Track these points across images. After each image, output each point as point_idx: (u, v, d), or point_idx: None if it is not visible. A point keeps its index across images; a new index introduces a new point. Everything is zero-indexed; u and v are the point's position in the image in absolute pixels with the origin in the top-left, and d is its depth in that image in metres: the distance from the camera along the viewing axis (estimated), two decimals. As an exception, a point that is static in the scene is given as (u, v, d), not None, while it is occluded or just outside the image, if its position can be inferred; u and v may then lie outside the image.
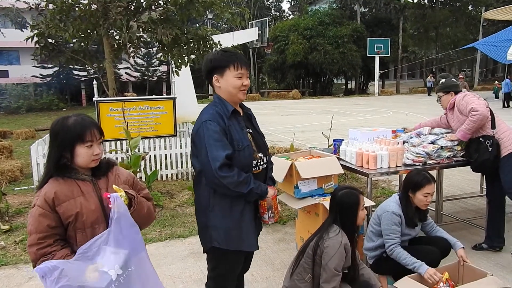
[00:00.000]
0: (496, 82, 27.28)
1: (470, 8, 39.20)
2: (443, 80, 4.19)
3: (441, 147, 4.04)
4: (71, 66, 28.78)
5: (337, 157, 3.93)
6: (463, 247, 3.18)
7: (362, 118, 16.91)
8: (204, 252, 2.44)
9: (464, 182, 6.53)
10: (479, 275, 2.94)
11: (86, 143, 1.90)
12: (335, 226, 2.71)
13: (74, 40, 7.74)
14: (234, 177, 2.17)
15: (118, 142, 7.18)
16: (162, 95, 28.03)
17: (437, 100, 4.26)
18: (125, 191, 1.96)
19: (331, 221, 2.76)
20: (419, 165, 3.92)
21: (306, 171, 3.58)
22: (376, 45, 32.40)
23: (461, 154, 4.09)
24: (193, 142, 2.33)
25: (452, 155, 4.06)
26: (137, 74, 31.76)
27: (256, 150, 2.36)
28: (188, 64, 8.95)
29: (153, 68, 31.92)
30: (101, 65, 8.28)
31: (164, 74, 31.89)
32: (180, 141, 7.59)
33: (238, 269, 2.48)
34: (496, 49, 16.60)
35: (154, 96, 10.09)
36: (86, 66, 27.50)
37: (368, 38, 33.04)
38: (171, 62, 8.88)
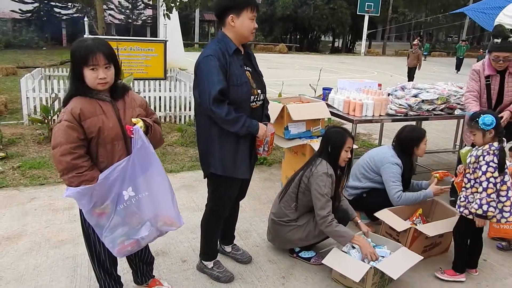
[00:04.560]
0: (481, 50, 27.60)
1: (464, -28, 38.67)
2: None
3: (422, 101, 4.33)
4: (52, 3, 27.63)
5: (325, 104, 4.17)
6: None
7: (348, 76, 17.09)
8: (204, 178, 2.69)
9: (438, 139, 6.94)
10: (449, 213, 3.30)
11: (89, 66, 2.03)
12: (320, 159, 2.96)
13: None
14: (222, 114, 2.33)
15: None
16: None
17: (499, 61, 3.67)
18: (142, 120, 2.15)
19: (317, 155, 3.03)
20: (401, 115, 4.21)
21: (296, 114, 3.83)
22: (367, 3, 31.97)
23: (441, 108, 4.40)
24: (195, 74, 2.50)
25: (432, 109, 4.37)
26: (121, 17, 30.70)
27: (254, 87, 2.53)
28: (179, 7, 8.83)
29: (137, 11, 30.86)
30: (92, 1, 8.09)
31: (149, 18, 30.91)
32: (170, 85, 7.66)
33: (235, 194, 2.73)
34: (485, 16, 16.66)
35: (145, 38, 9.96)
36: (69, 4, 26.17)
37: (359, -4, 32.52)
38: (162, 4, 8.73)
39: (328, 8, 33.16)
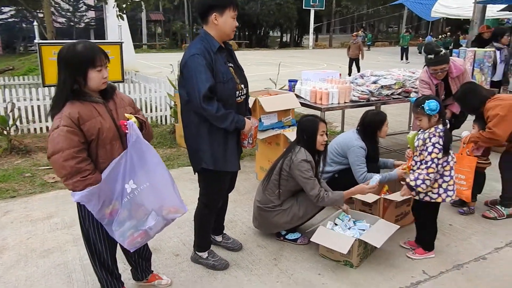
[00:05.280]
0: (420, 38, 29.21)
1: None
2: (443, 51, 4.06)
3: (382, 86, 4.65)
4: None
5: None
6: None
7: (300, 70, 17.52)
8: (194, 173, 2.78)
9: (394, 123, 7.38)
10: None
11: (97, 68, 2.08)
12: (299, 147, 3.15)
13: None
14: (212, 111, 2.44)
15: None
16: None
17: (437, 73, 4.11)
18: (136, 117, 2.21)
19: (295, 143, 3.21)
20: (364, 101, 4.50)
21: (269, 106, 4.00)
22: (312, -3, 32.80)
23: (398, 92, 4.75)
24: (181, 73, 2.58)
25: (390, 93, 4.70)
26: (62, 20, 29.42)
27: (238, 82, 2.65)
28: (131, 7, 8.70)
29: (79, 14, 29.71)
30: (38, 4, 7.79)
31: (92, 20, 29.85)
32: (129, 87, 7.57)
33: (226, 187, 2.86)
34: (421, 6, 17.73)
35: (100, 40, 9.73)
36: (3, 8, 24.54)
37: (304, -10, 33.29)
38: (114, 5, 8.55)
39: (274, 4, 33.72)
